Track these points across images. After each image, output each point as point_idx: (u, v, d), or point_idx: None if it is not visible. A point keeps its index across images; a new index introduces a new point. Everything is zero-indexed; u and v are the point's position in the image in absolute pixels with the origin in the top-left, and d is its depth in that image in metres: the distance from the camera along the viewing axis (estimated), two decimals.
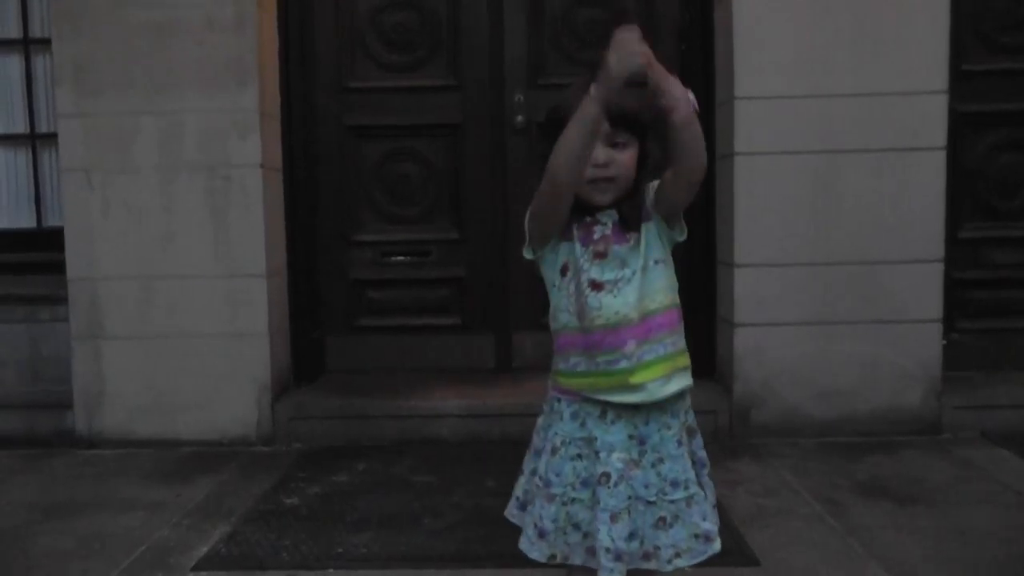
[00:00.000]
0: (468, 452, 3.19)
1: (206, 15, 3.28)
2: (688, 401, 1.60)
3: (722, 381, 3.46)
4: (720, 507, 2.52)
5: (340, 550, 2.36)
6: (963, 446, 3.15)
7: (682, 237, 1.58)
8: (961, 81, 3.51)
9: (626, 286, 1.51)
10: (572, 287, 1.55)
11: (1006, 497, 2.65)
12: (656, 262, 1.54)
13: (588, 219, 1.55)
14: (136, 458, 3.24)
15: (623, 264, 1.52)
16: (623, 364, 1.50)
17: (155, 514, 2.66)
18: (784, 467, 2.97)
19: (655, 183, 1.55)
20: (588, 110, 1.38)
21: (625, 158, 1.51)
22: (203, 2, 3.28)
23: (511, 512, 1.66)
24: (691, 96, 1.42)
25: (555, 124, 1.48)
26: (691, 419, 1.60)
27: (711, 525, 1.55)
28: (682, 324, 1.58)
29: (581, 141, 1.41)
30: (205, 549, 2.38)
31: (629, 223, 1.54)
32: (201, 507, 2.73)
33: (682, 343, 1.57)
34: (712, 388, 3.46)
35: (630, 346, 1.50)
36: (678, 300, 1.57)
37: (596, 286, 1.52)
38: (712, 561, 1.56)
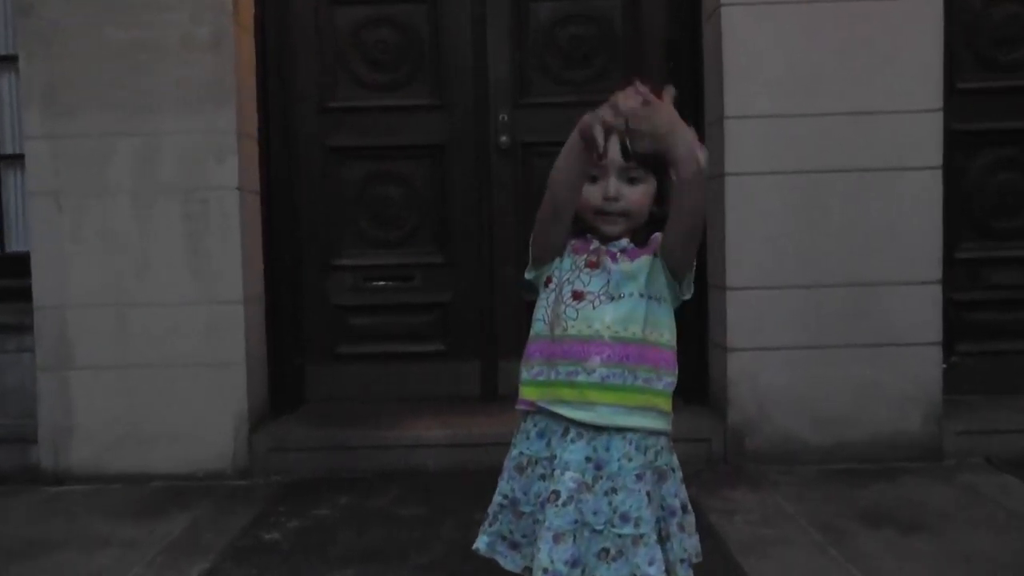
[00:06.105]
0: (454, 483, 3.09)
1: (182, 34, 3.19)
2: (663, 443, 1.54)
3: (716, 407, 3.37)
4: (718, 536, 2.48)
5: None
6: (967, 472, 3.06)
7: (686, 295, 1.56)
8: (956, 99, 3.46)
9: (609, 303, 1.50)
10: (551, 296, 1.55)
11: (1012, 524, 2.57)
12: (656, 299, 1.52)
13: (588, 235, 1.56)
14: (107, 494, 3.11)
15: (619, 283, 1.50)
16: (581, 377, 1.48)
17: (129, 552, 2.54)
18: (782, 495, 2.88)
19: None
20: (572, 135, 1.43)
21: (637, 193, 1.51)
22: (179, 21, 3.18)
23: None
24: (701, 154, 1.40)
25: None
26: (664, 462, 1.54)
27: (656, 572, 1.45)
28: (672, 371, 1.53)
29: (565, 162, 1.46)
30: None
31: (638, 243, 1.55)
32: (177, 544, 2.61)
33: (661, 385, 1.51)
34: (706, 414, 3.37)
35: (593, 361, 1.48)
36: (674, 344, 1.55)
37: (577, 296, 1.52)
38: None
